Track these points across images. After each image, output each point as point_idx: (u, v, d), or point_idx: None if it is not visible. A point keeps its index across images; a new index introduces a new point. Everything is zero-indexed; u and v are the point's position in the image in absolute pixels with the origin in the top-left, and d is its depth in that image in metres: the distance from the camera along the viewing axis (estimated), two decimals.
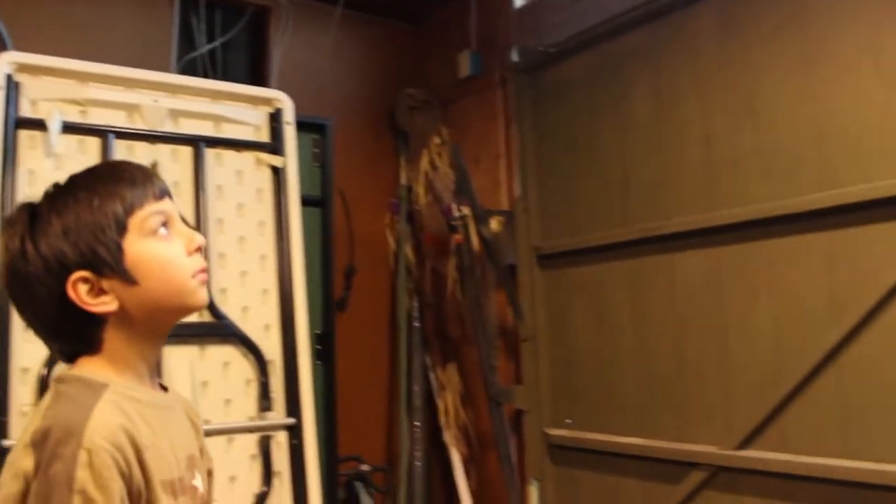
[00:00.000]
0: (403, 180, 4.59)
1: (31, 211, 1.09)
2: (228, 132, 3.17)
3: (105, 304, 1.09)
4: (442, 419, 4.26)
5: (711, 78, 3.23)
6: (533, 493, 3.92)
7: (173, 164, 2.95)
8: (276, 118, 3.28)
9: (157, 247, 1.12)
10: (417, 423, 4.30)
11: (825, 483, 2.80)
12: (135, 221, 1.10)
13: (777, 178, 2.99)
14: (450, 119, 4.52)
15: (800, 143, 2.93)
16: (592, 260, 3.70)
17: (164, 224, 1.13)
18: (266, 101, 3.31)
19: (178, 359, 2.85)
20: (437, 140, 4.44)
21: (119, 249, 1.09)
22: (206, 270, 1.17)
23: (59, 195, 1.10)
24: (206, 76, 3.93)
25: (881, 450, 2.67)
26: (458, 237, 4.03)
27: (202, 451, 1.25)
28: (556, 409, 3.89)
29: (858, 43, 2.78)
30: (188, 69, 3.93)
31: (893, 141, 2.68)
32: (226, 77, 4.00)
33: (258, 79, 4.18)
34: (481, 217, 4.00)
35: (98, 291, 1.09)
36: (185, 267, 1.14)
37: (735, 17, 3.16)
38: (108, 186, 1.10)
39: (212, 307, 2.92)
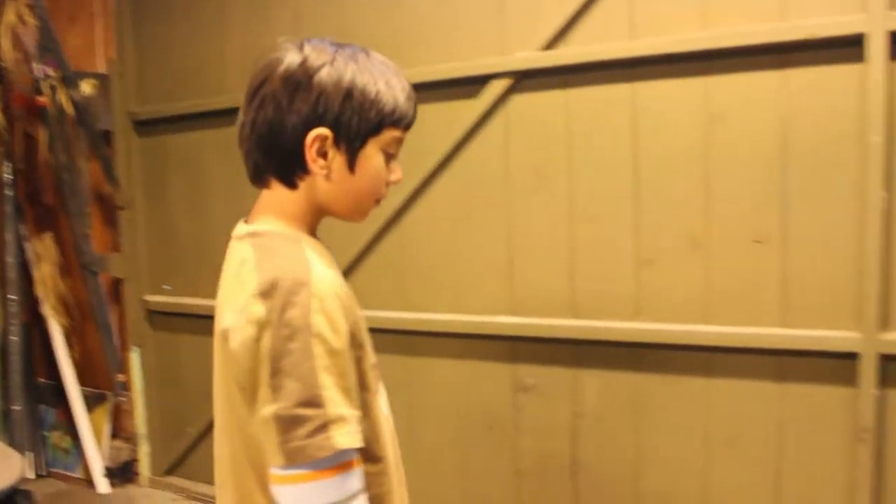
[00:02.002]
0: None
1: (336, 51, 1.17)
2: None
3: (318, 167, 1.18)
4: (39, 291, 4.08)
5: None
6: (134, 359, 3.95)
7: None
8: None
9: (380, 163, 1.21)
10: (13, 297, 4.08)
11: (385, 333, 3.16)
12: (386, 133, 1.20)
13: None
14: None
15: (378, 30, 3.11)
16: (189, 127, 3.69)
17: (394, 151, 1.23)
18: None
19: None
20: None
21: (364, 142, 1.18)
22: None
23: (361, 57, 1.18)
24: None
25: (433, 302, 3.07)
26: (42, 99, 3.76)
27: None
28: (155, 276, 3.91)
29: None
30: None
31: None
32: None
33: None
34: (71, 79, 3.76)
35: (321, 153, 1.17)
36: (378, 191, 1.24)
37: None
38: (396, 90, 1.19)
39: None
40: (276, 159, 1.20)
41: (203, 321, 3.66)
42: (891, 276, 2.37)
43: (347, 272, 3.24)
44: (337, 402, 1.08)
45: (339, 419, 1.07)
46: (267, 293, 1.08)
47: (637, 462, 2.79)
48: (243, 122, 1.22)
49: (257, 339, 1.07)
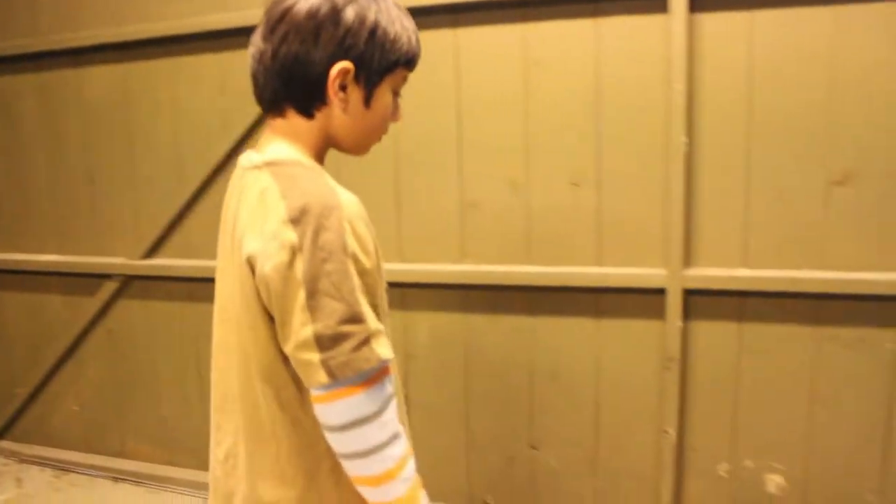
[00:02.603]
0: None
1: None
2: None
3: (338, 99, 1.25)
4: None
5: None
6: None
7: None
8: None
9: (389, 100, 1.31)
10: None
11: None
12: (398, 72, 1.29)
13: None
14: None
15: None
16: (1, 70, 3.44)
17: (399, 91, 1.33)
18: None
19: None
20: None
21: (381, 79, 1.27)
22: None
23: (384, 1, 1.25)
24: None
25: None
26: None
27: None
28: None
29: None
30: None
31: None
32: None
33: None
34: None
35: (342, 87, 1.24)
36: (384, 127, 1.34)
37: None
38: (409, 31, 1.28)
39: None
40: (298, 90, 1.25)
41: (25, 277, 3.50)
42: (693, 216, 2.53)
43: (175, 223, 3.15)
44: (372, 318, 1.16)
45: (378, 333, 1.17)
46: (297, 219, 1.13)
47: (467, 400, 2.90)
48: (262, 51, 1.25)
49: (290, 264, 1.13)
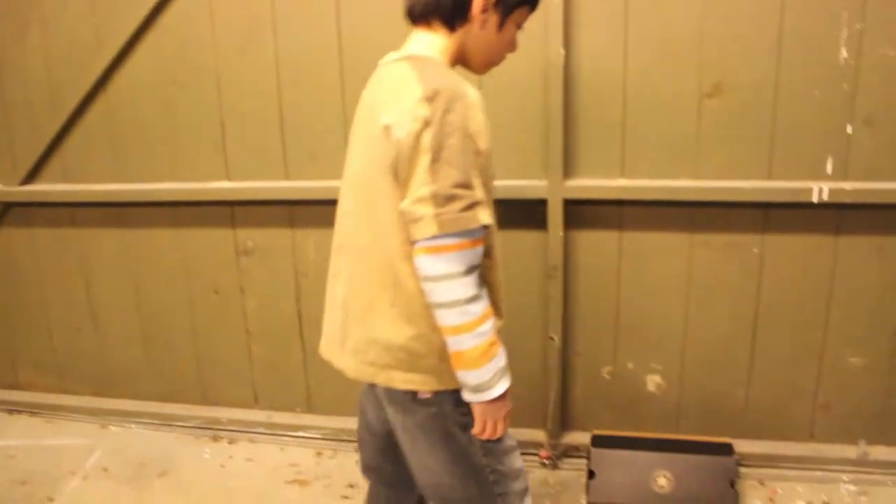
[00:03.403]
0: None
1: None
2: None
3: (480, 18, 1.53)
4: None
5: None
6: None
7: None
8: None
9: (513, 31, 1.62)
10: None
11: (100, 206, 3.05)
12: (524, 8, 1.60)
13: None
14: None
15: None
16: None
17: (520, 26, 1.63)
18: None
19: None
20: None
21: (513, 10, 1.57)
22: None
23: None
24: None
25: (148, 171, 2.98)
26: None
27: None
28: None
29: None
30: None
31: None
32: None
33: None
34: None
35: (485, 9, 1.52)
36: (505, 53, 1.64)
37: None
38: None
39: None
40: (448, 5, 1.52)
41: None
42: (572, 129, 2.57)
43: (52, 147, 3.04)
44: (480, 189, 1.41)
45: (482, 202, 1.41)
46: (431, 99, 1.38)
47: None
48: None
49: (420, 134, 1.37)
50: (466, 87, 1.43)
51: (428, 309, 1.46)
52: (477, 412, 1.52)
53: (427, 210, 1.37)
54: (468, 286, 1.41)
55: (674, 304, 2.70)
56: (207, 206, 2.93)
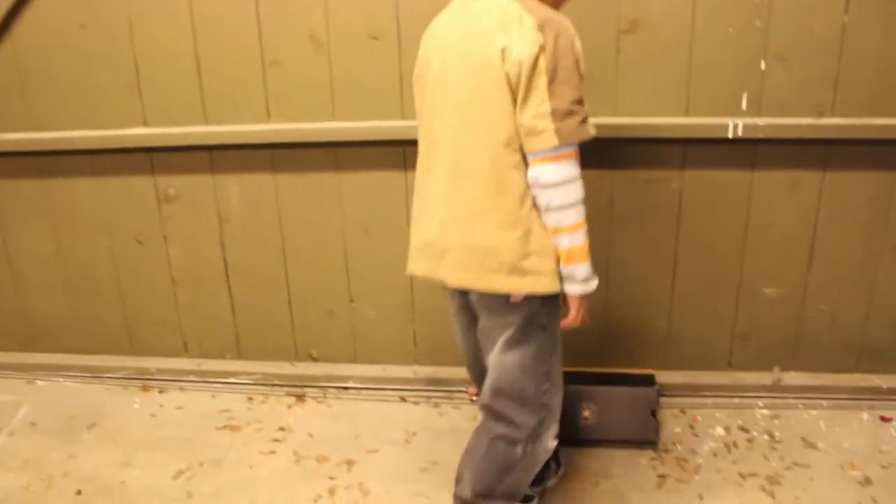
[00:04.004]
0: None
1: None
2: None
3: None
4: None
5: None
6: None
7: None
8: None
9: None
10: None
11: (14, 156, 2.94)
12: None
13: None
14: None
15: None
16: None
17: None
18: None
19: None
20: None
21: None
22: None
23: None
24: None
25: (62, 119, 2.88)
26: None
27: None
28: None
29: None
30: None
31: None
32: None
33: None
34: None
35: None
36: None
37: None
38: None
39: None
40: None
41: None
42: None
43: None
44: (585, 106, 1.67)
45: (588, 116, 1.68)
46: (542, 27, 1.61)
47: (285, 259, 2.92)
48: None
49: (538, 57, 1.60)
50: (564, 19, 1.66)
51: (530, 213, 1.70)
52: (575, 303, 1.77)
53: (548, 124, 1.61)
54: (581, 188, 1.69)
55: (596, 240, 2.72)
56: (126, 154, 2.85)
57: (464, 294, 1.91)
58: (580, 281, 1.74)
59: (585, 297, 1.77)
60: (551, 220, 1.69)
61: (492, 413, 1.90)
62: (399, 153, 2.69)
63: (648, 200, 2.67)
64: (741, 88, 2.51)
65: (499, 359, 1.85)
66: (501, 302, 1.77)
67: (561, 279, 1.75)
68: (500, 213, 1.70)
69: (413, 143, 2.53)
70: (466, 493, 1.93)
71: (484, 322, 1.87)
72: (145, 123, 2.80)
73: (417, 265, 1.91)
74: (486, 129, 1.68)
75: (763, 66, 2.47)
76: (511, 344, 1.82)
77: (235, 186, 2.84)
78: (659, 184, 2.65)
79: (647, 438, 2.62)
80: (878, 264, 2.69)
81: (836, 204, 2.62)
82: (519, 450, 1.88)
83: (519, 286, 1.73)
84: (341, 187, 2.78)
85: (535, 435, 1.89)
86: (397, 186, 2.75)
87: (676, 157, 2.61)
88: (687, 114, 2.55)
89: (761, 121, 2.51)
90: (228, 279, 2.99)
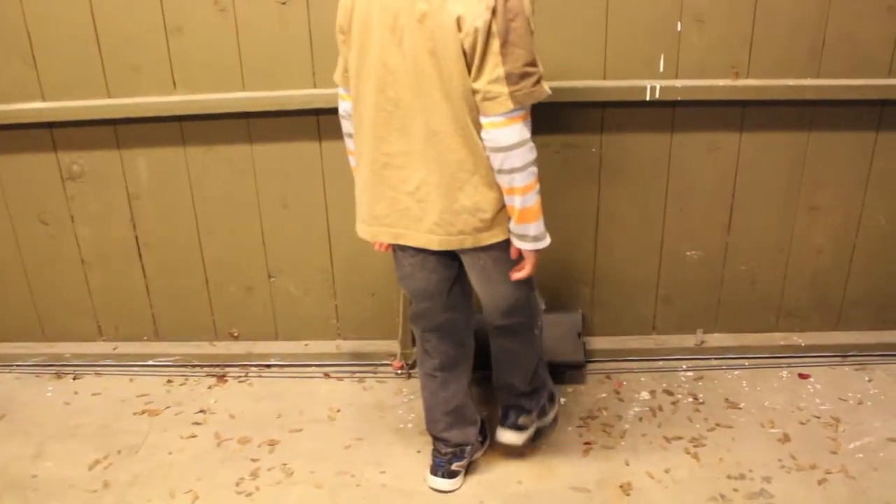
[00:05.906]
0: None
1: None
2: None
3: None
4: None
5: None
6: None
7: None
8: None
9: None
10: None
11: None
12: None
13: None
14: None
15: None
16: None
17: None
18: None
19: None
20: None
21: None
22: None
23: None
24: None
25: None
26: None
27: None
28: None
29: None
30: None
31: None
32: None
33: None
34: None
35: None
36: None
37: None
38: None
39: None
40: None
41: None
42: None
43: None
44: (539, 64, 1.71)
45: (543, 75, 1.71)
46: None
47: (199, 235, 2.82)
48: None
49: (490, 21, 1.61)
50: None
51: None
52: (531, 258, 1.88)
53: (502, 89, 1.64)
54: (533, 150, 1.74)
55: None
56: (24, 129, 2.70)
57: (439, 253, 1.97)
58: (532, 238, 1.84)
59: (538, 252, 1.89)
60: (504, 181, 1.75)
61: (508, 326, 2.13)
62: (313, 123, 2.61)
63: (567, 166, 2.64)
64: (659, 50, 2.49)
65: (495, 289, 2.04)
66: (502, 248, 1.91)
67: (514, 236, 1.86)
68: (477, 175, 1.78)
69: (329, 112, 2.47)
70: (524, 387, 2.24)
71: (471, 265, 2.00)
72: (43, 98, 2.64)
73: (375, 232, 1.97)
74: (453, 96, 1.71)
75: (679, 27, 2.45)
76: (503, 273, 1.97)
77: (144, 161, 2.72)
78: (578, 148, 2.62)
79: (575, 360, 2.70)
80: (794, 224, 2.72)
81: (754, 165, 2.64)
82: (536, 331, 2.19)
83: (500, 236, 1.87)
84: (255, 159, 2.68)
85: (538, 312, 2.20)
86: (313, 157, 2.67)
87: (595, 120, 2.58)
88: (604, 77, 2.52)
89: (678, 83, 2.49)
90: (142, 258, 2.87)
